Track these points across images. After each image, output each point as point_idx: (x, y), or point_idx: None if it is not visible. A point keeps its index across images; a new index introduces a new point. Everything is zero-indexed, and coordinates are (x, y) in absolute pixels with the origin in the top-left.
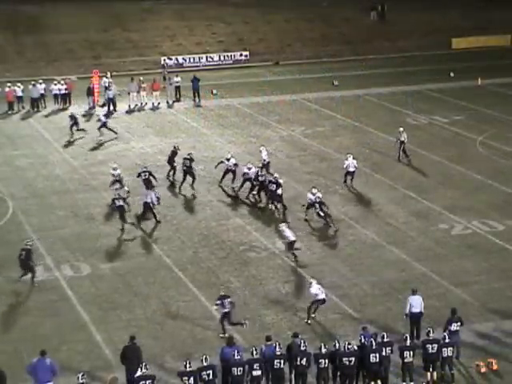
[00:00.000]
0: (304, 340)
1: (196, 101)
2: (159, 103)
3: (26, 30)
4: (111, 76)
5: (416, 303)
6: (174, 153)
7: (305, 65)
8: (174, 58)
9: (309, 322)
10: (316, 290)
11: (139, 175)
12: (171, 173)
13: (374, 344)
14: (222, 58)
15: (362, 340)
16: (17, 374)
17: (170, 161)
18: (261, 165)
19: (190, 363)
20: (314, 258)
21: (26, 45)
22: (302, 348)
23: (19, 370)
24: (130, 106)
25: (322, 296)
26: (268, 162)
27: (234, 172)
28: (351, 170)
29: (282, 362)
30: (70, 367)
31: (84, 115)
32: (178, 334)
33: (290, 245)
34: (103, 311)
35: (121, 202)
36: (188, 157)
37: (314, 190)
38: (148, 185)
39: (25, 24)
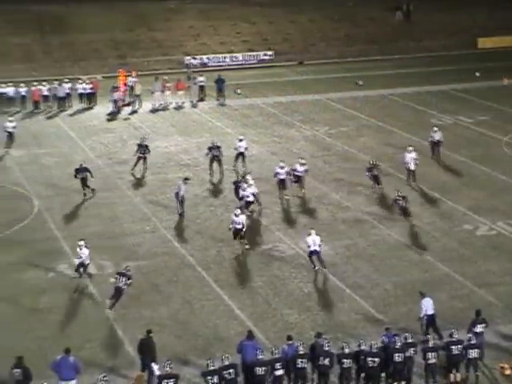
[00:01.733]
0: (327, 340)
1: (220, 100)
2: (183, 102)
3: (52, 30)
4: (136, 75)
5: (428, 305)
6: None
7: (329, 65)
8: (198, 57)
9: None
10: (310, 241)
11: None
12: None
13: (398, 343)
14: (246, 58)
15: (385, 341)
16: (41, 371)
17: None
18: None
19: (213, 362)
20: (337, 258)
21: (53, 44)
22: (325, 348)
23: (43, 367)
24: (154, 105)
25: (312, 247)
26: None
27: (243, 154)
28: (412, 168)
29: (305, 361)
30: (93, 365)
31: (109, 114)
32: (200, 332)
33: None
34: (126, 309)
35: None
36: (213, 145)
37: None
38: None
39: (51, 24)
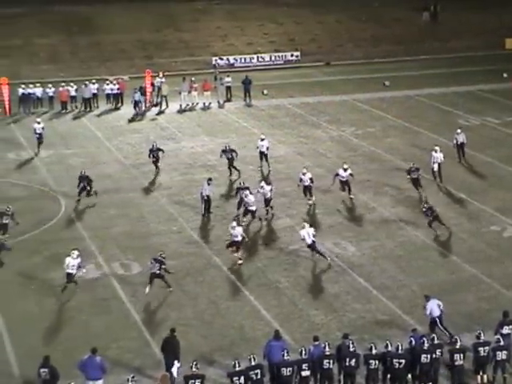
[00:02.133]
0: (353, 341)
1: (247, 101)
2: (210, 103)
3: (79, 31)
4: (163, 76)
5: (434, 307)
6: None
7: (356, 65)
8: (225, 58)
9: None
10: (304, 233)
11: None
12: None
13: (425, 344)
14: (273, 58)
15: (412, 342)
16: (68, 370)
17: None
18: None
19: (239, 363)
20: (363, 258)
21: (80, 45)
22: (351, 349)
23: (70, 367)
24: (181, 105)
25: (308, 240)
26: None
27: (266, 156)
28: (435, 169)
29: (332, 362)
30: (119, 365)
31: (136, 115)
32: (226, 333)
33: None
34: (153, 310)
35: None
36: (226, 148)
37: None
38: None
39: (79, 25)
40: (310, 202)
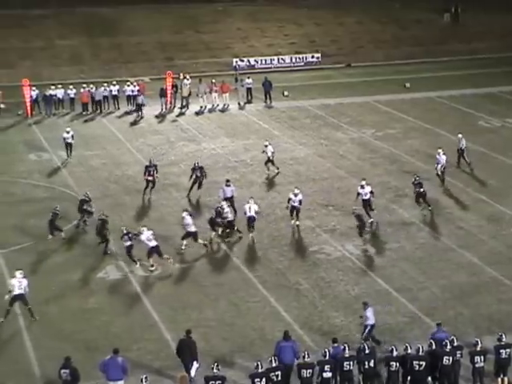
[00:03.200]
0: (373, 343)
1: (267, 102)
2: (228, 105)
3: (100, 33)
4: (184, 77)
5: (371, 315)
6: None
7: (376, 67)
8: (245, 59)
9: None
10: (247, 208)
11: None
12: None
13: (447, 346)
14: (293, 60)
15: (433, 345)
16: (89, 371)
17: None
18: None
19: (261, 364)
20: (384, 260)
21: (101, 47)
22: (367, 351)
23: (92, 367)
24: (201, 107)
25: (248, 214)
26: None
27: (272, 161)
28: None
29: (352, 363)
30: (140, 366)
31: (157, 116)
32: (247, 334)
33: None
34: (173, 311)
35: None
36: (195, 166)
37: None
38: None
39: (100, 26)
40: (293, 223)
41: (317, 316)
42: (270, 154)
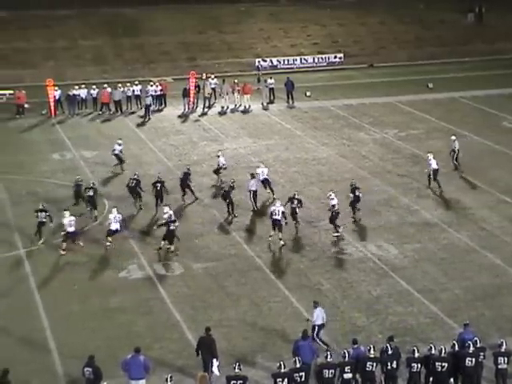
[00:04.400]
0: (395, 344)
1: (289, 103)
2: (250, 106)
3: (124, 33)
4: (207, 77)
5: (320, 315)
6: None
7: (399, 67)
8: (268, 59)
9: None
10: (273, 208)
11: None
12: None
13: (471, 348)
14: (316, 60)
15: (455, 346)
16: (111, 370)
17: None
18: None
19: (284, 365)
20: (405, 261)
21: (124, 47)
22: (390, 352)
23: (113, 366)
24: (222, 107)
25: (274, 217)
26: (224, 167)
27: (269, 183)
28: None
29: (375, 364)
30: (162, 365)
31: (179, 116)
32: (268, 334)
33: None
34: (195, 310)
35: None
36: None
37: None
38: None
39: (123, 27)
40: (271, 237)
41: (338, 316)
42: (221, 164)
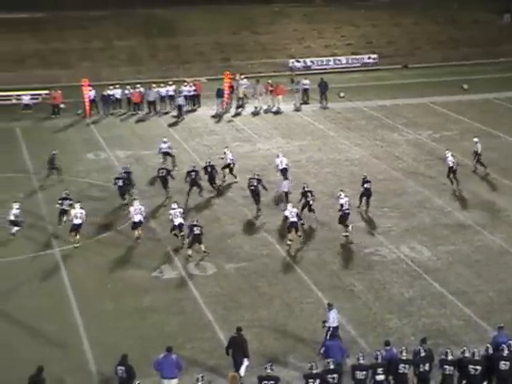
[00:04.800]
0: (428, 346)
1: (323, 103)
2: (281, 107)
3: (158, 33)
4: (241, 78)
5: (335, 317)
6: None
7: (433, 68)
8: (302, 60)
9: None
10: (288, 212)
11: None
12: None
13: (505, 351)
14: (350, 61)
15: (489, 349)
16: (144, 369)
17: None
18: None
19: (316, 365)
20: (439, 263)
21: (158, 47)
22: (422, 354)
23: (146, 365)
24: (256, 107)
25: (291, 219)
26: (233, 164)
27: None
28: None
29: (407, 366)
30: (194, 364)
31: (213, 116)
32: (300, 335)
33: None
34: (227, 311)
35: (164, 173)
36: (193, 169)
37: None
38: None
39: (158, 27)
40: (290, 240)
41: (371, 318)
42: (229, 160)
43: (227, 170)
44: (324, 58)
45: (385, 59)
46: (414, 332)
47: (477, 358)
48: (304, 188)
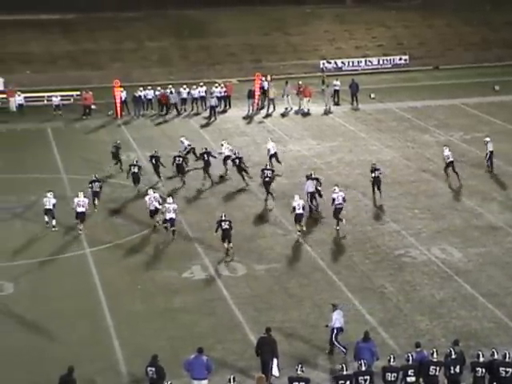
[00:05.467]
0: (460, 348)
1: (354, 104)
2: (309, 109)
3: (190, 34)
4: (271, 79)
5: (339, 318)
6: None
7: (465, 69)
8: (333, 61)
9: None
10: (295, 203)
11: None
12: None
13: None
14: (381, 62)
15: None
16: (174, 370)
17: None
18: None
19: (346, 367)
20: (470, 265)
21: (189, 48)
22: (453, 356)
23: (176, 366)
24: (286, 108)
25: (297, 211)
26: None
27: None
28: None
29: (438, 369)
30: (224, 365)
31: (244, 118)
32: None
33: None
34: (258, 312)
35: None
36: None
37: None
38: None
39: (189, 28)
40: (299, 231)
41: (401, 319)
42: (272, 150)
43: (230, 164)
44: (355, 59)
45: (416, 60)
46: (444, 334)
47: (508, 360)
48: (311, 174)
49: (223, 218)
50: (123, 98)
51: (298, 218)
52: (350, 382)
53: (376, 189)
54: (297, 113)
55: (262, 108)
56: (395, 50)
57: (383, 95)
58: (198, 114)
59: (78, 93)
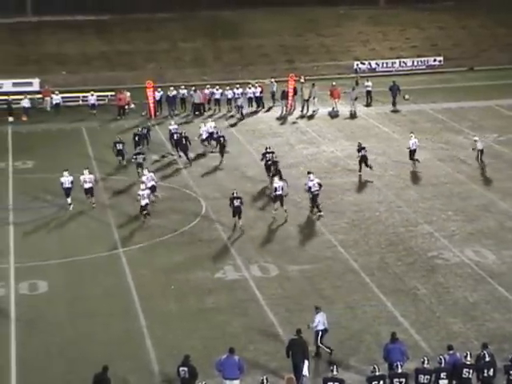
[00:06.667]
0: (491, 351)
1: (394, 106)
2: (337, 111)
3: (223, 35)
4: (305, 80)
5: (322, 320)
6: None
7: (500, 70)
8: (366, 62)
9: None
10: (276, 185)
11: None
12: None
13: None
14: (415, 63)
15: None
16: (206, 369)
17: None
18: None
19: (378, 368)
20: (504, 267)
21: (223, 49)
22: (487, 359)
23: (208, 366)
24: (313, 110)
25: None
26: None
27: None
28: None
29: (471, 371)
30: (256, 366)
31: (277, 119)
32: (363, 338)
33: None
34: (290, 313)
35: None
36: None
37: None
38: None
39: (222, 29)
40: (275, 211)
41: (434, 322)
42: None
43: (214, 143)
44: (389, 61)
45: (450, 62)
46: (477, 337)
47: None
48: (266, 149)
49: (235, 195)
50: (157, 98)
51: (276, 199)
52: (384, 383)
53: (364, 166)
54: (329, 114)
55: (304, 109)
56: (429, 51)
57: (417, 96)
58: (232, 116)
59: (113, 93)
